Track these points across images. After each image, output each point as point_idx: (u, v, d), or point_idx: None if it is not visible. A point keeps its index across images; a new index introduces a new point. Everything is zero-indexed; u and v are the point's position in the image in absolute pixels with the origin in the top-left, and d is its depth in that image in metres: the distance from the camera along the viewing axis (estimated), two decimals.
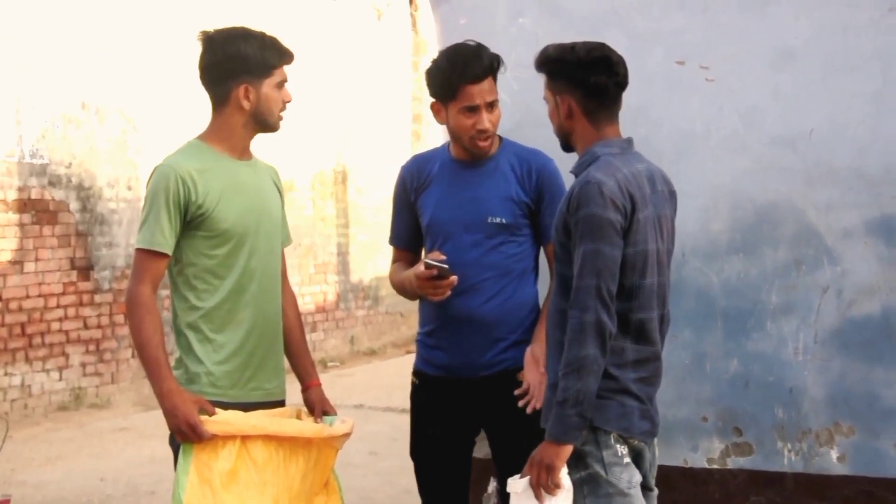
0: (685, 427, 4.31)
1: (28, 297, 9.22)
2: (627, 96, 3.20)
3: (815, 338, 4.18)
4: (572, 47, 3.13)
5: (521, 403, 3.43)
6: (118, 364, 9.96)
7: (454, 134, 3.61)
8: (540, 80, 3.27)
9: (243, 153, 3.49)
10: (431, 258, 3.48)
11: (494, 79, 3.57)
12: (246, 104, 3.39)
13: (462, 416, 3.66)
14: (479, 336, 3.57)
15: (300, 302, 12.80)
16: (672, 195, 3.22)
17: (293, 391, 3.59)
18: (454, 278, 3.44)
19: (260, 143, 3.55)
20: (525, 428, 3.43)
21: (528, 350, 3.51)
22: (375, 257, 13.17)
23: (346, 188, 12.99)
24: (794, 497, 4.22)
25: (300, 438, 3.38)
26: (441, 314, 3.59)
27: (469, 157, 3.63)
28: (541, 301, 3.68)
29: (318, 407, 3.55)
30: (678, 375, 4.23)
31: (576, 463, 3.03)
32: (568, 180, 3.20)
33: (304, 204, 12.31)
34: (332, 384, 10.01)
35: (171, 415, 3.24)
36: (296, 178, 11.99)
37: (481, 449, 3.79)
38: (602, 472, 3.03)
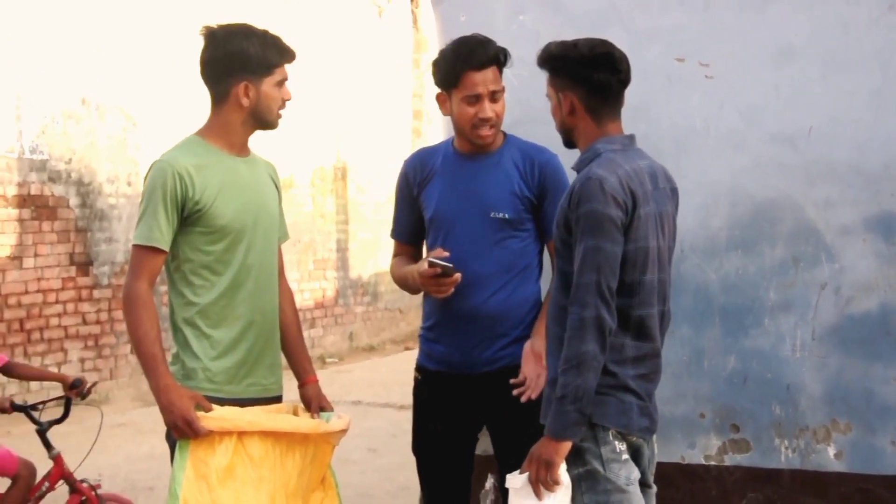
0: (683, 424, 4.31)
1: (27, 292, 9.22)
2: (627, 93, 3.20)
3: (812, 335, 4.18)
4: (575, 44, 3.13)
5: (515, 392, 3.42)
6: (117, 360, 9.97)
7: (457, 124, 3.60)
8: (540, 76, 3.27)
9: (241, 149, 3.49)
10: (435, 256, 3.48)
11: (500, 71, 3.56)
12: (245, 101, 3.39)
13: (463, 412, 3.65)
14: (480, 332, 3.57)
15: (299, 298, 12.82)
16: (674, 192, 3.23)
17: (290, 387, 3.59)
18: (458, 275, 3.43)
19: (260, 139, 3.55)
20: (526, 424, 3.42)
21: (528, 343, 3.50)
22: (375, 254, 13.18)
23: (346, 184, 12.99)
24: (791, 494, 4.23)
25: (297, 434, 3.38)
26: (444, 309, 3.58)
27: (473, 149, 3.62)
28: (542, 297, 3.68)
29: (314, 403, 3.55)
30: (676, 372, 4.23)
31: (574, 459, 3.03)
32: (570, 176, 3.21)
33: (304, 200, 12.31)
34: (330, 380, 10.04)
35: (167, 411, 3.25)
36: (296, 174, 11.99)
37: (479, 445, 3.79)
38: (600, 469, 3.04)
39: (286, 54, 3.44)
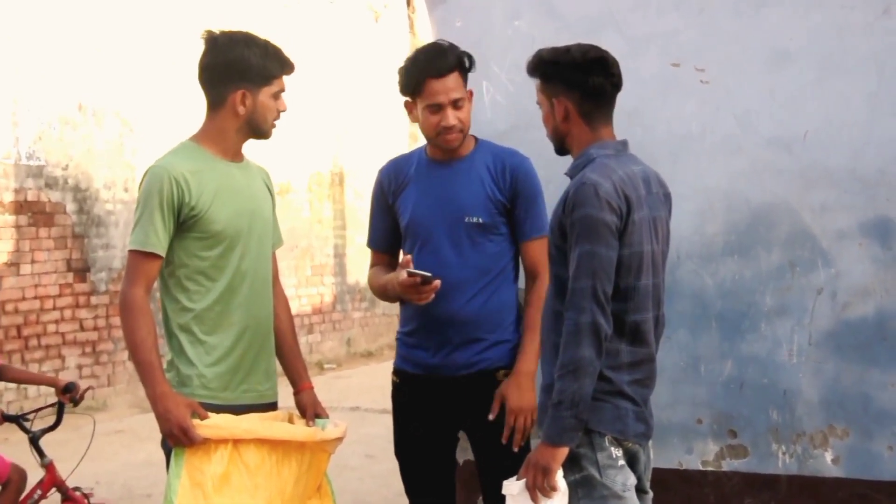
0: (680, 429, 4.31)
1: (24, 298, 9.21)
2: (623, 98, 3.21)
3: (809, 340, 4.18)
4: (567, 50, 3.13)
5: (505, 440, 3.50)
6: (114, 366, 9.96)
7: (423, 131, 3.64)
8: (534, 82, 3.27)
9: (235, 155, 3.49)
10: (406, 265, 3.48)
11: (463, 76, 3.59)
12: (241, 110, 3.39)
13: (442, 415, 3.68)
14: (459, 335, 3.60)
15: (297, 304, 12.82)
16: (667, 197, 3.23)
17: (285, 394, 3.58)
18: (437, 282, 3.46)
19: (256, 145, 3.55)
20: (502, 429, 3.52)
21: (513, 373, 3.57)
22: None
23: (343, 190, 12.99)
24: (788, 499, 4.22)
25: (293, 442, 3.37)
26: (423, 314, 3.60)
27: (444, 155, 3.65)
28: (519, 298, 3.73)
29: (309, 410, 3.55)
30: (673, 377, 4.23)
31: (570, 465, 3.02)
32: (562, 182, 3.20)
33: (301, 206, 12.31)
34: (328, 386, 10.04)
35: (163, 419, 3.24)
36: (293, 179, 11.99)
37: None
38: (596, 475, 3.03)
39: (286, 66, 3.44)
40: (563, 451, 2.98)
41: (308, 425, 3.49)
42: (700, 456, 4.32)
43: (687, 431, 4.32)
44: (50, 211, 9.44)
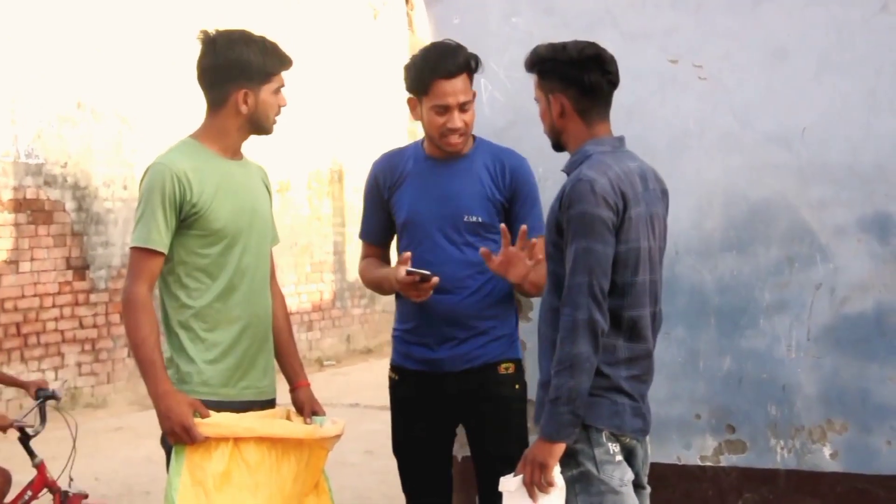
0: (678, 424, 4.31)
1: (23, 296, 9.22)
2: (621, 95, 3.21)
3: (808, 335, 4.18)
4: (564, 46, 3.14)
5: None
6: (114, 364, 9.97)
7: (426, 131, 3.65)
8: (532, 79, 3.27)
9: (235, 153, 3.49)
10: (406, 262, 3.49)
11: (470, 78, 3.59)
12: (244, 109, 3.39)
13: (443, 410, 3.69)
14: (459, 331, 3.61)
15: (297, 301, 12.83)
16: (664, 193, 3.23)
17: (282, 391, 3.59)
18: (436, 280, 3.47)
19: (256, 143, 3.56)
20: (503, 421, 3.54)
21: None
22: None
23: (343, 187, 13.00)
24: (786, 494, 4.22)
25: (292, 440, 3.38)
26: (422, 311, 3.61)
27: (443, 154, 3.66)
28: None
29: (306, 407, 3.56)
30: (671, 373, 4.23)
31: (568, 461, 3.03)
32: (560, 179, 3.21)
33: (301, 203, 12.32)
34: (327, 383, 10.05)
35: (164, 416, 3.25)
36: (292, 177, 11.99)
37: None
38: (594, 470, 3.04)
39: (285, 62, 3.45)
40: (560, 447, 2.98)
41: (305, 422, 3.50)
42: (698, 451, 4.33)
43: (685, 426, 4.33)
44: (49, 209, 9.45)
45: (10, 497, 4.57)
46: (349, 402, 9.32)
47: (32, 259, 9.30)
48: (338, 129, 12.73)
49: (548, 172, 4.14)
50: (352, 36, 12.91)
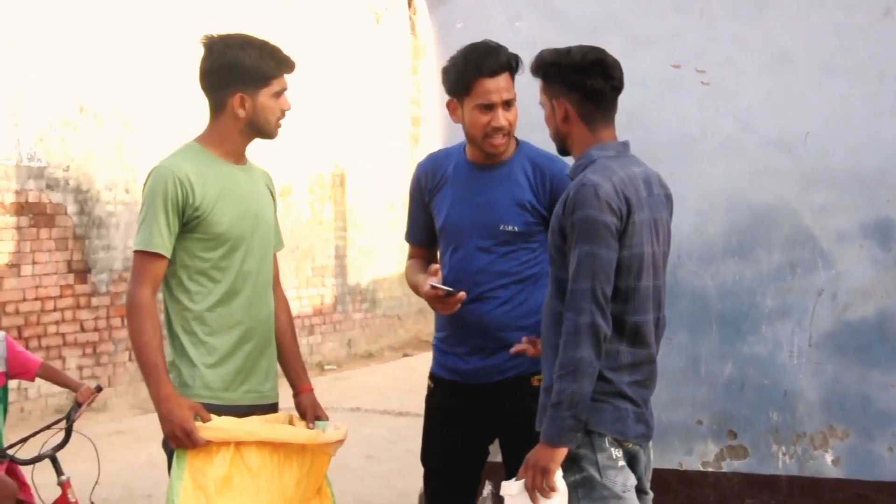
0: (680, 430, 4.31)
1: (25, 300, 9.22)
2: (624, 99, 3.21)
3: (809, 341, 4.19)
4: (568, 51, 3.14)
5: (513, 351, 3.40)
6: (115, 367, 9.96)
7: (469, 132, 3.55)
8: (536, 83, 3.27)
9: (239, 158, 3.49)
10: (434, 274, 3.46)
11: (512, 77, 3.52)
12: (241, 113, 3.39)
13: (477, 422, 3.62)
14: (492, 342, 3.54)
15: (298, 305, 12.77)
16: (668, 199, 3.23)
17: (284, 395, 3.58)
18: (462, 294, 3.42)
19: (258, 146, 3.55)
20: (537, 434, 3.45)
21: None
22: (373, 260, 13.18)
23: (345, 191, 12.99)
24: (788, 500, 4.23)
25: (294, 445, 3.37)
26: (455, 320, 3.56)
27: (484, 159, 3.58)
28: None
29: (309, 412, 3.54)
30: (673, 378, 4.23)
31: (570, 466, 3.03)
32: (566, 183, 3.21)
33: (302, 207, 12.31)
34: (329, 387, 10.04)
35: (166, 420, 3.24)
36: (294, 181, 11.99)
37: None
38: (597, 476, 3.03)
39: (283, 65, 3.43)
40: (562, 452, 2.98)
41: (308, 427, 3.49)
42: (700, 456, 4.33)
43: (687, 432, 4.33)
44: (51, 212, 9.44)
45: None
46: (350, 406, 9.31)
47: (34, 262, 9.30)
48: (340, 134, 12.73)
49: None
50: (354, 40, 12.92)
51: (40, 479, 4.63)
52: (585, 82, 3.09)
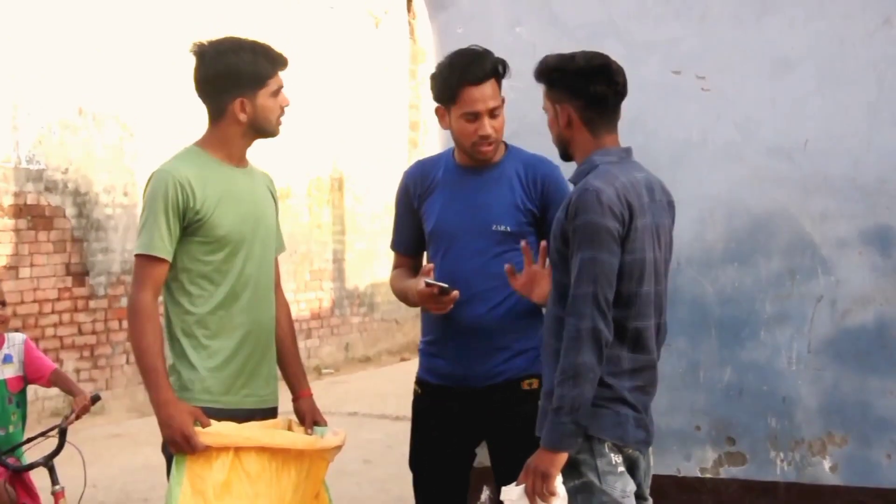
0: (679, 436, 4.31)
1: (23, 302, 9.21)
2: (624, 105, 3.21)
3: (808, 347, 4.19)
4: (572, 57, 3.14)
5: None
6: (112, 370, 9.95)
7: (457, 139, 3.57)
8: (537, 88, 3.27)
9: (240, 161, 3.49)
10: (427, 273, 3.45)
11: (499, 84, 3.52)
12: (243, 117, 3.39)
13: (464, 426, 3.62)
14: (482, 345, 3.53)
15: (296, 308, 12.75)
16: (670, 205, 3.23)
17: (283, 400, 3.58)
18: (456, 293, 3.41)
19: (256, 150, 3.55)
20: (527, 438, 3.45)
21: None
22: (371, 264, 13.17)
23: (343, 195, 12.99)
24: None
25: (293, 450, 3.37)
26: (444, 324, 3.55)
27: (474, 162, 3.59)
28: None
29: (308, 417, 3.54)
30: (672, 384, 4.23)
31: (570, 471, 3.02)
32: (568, 189, 3.21)
33: (301, 211, 12.31)
34: (326, 391, 10.03)
35: (166, 425, 3.24)
36: (292, 184, 11.99)
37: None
38: (596, 481, 3.03)
39: (277, 63, 3.42)
40: (563, 457, 2.98)
41: (307, 433, 3.49)
42: (698, 463, 4.33)
43: (685, 438, 4.33)
44: (49, 215, 9.44)
45: None
46: (348, 410, 9.31)
47: (32, 265, 9.29)
48: (339, 137, 12.73)
49: None
50: (353, 44, 12.92)
51: (37, 486, 4.62)
52: (589, 88, 3.09)
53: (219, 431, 3.26)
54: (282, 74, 3.45)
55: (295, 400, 3.60)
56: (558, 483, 2.99)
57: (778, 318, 4.21)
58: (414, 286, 3.50)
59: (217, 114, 3.42)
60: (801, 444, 4.20)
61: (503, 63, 3.53)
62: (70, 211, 9.60)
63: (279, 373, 3.58)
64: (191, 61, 3.50)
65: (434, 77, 3.57)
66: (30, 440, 4.52)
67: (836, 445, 4.17)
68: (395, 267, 3.79)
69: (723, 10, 4.26)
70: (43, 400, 9.22)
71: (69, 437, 4.50)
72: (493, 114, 3.49)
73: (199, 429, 3.23)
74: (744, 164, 4.24)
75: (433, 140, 11.30)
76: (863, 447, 4.14)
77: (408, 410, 3.79)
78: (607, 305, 2.96)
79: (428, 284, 3.42)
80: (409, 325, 13.59)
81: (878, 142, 4.10)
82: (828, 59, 4.15)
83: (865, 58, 4.11)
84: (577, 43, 3.47)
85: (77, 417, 4.49)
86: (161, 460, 3.40)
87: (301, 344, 12.33)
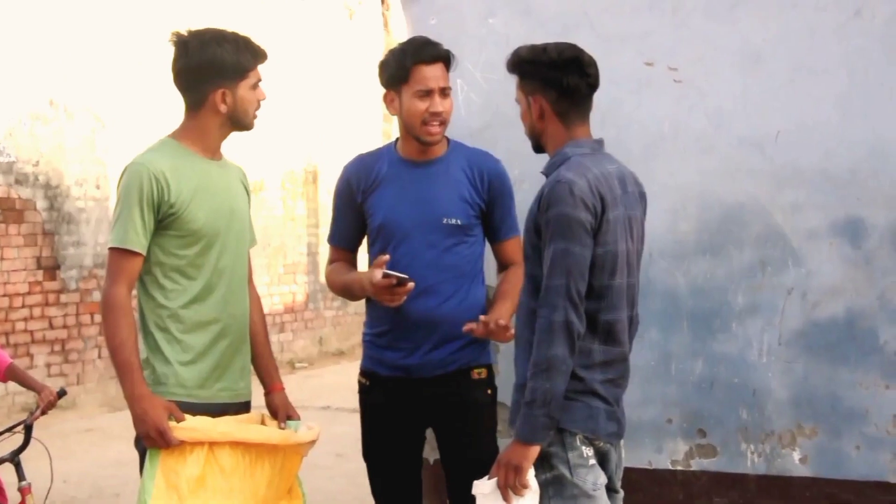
0: (650, 428, 4.32)
1: None
2: (596, 97, 3.21)
3: (779, 339, 4.20)
4: (545, 48, 3.14)
5: (466, 329, 3.42)
6: (84, 365, 9.89)
7: (406, 121, 3.62)
8: (509, 80, 3.27)
9: (215, 153, 3.47)
10: (381, 265, 3.45)
11: (447, 69, 3.62)
12: (223, 108, 3.38)
13: (414, 416, 3.67)
14: (435, 336, 3.59)
15: (269, 302, 12.80)
16: (642, 196, 3.23)
17: (256, 395, 3.56)
18: (412, 284, 3.44)
19: (230, 142, 3.54)
20: (475, 425, 3.56)
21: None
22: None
23: (317, 188, 12.96)
24: (756, 499, 4.23)
25: (266, 445, 3.36)
26: (396, 316, 3.58)
27: (419, 155, 3.65)
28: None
29: (281, 411, 3.54)
30: (644, 376, 4.23)
31: (541, 464, 3.03)
32: (537, 180, 3.21)
33: (274, 204, 12.27)
34: (299, 385, 10.01)
35: (140, 420, 3.22)
36: (266, 177, 11.95)
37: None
38: (567, 474, 3.04)
39: (258, 56, 3.43)
40: (535, 450, 2.98)
41: (280, 427, 3.48)
42: (670, 455, 4.33)
43: (657, 430, 4.33)
44: (20, 207, 9.37)
45: None
46: (321, 404, 9.30)
47: (2, 258, 9.23)
48: (312, 130, 12.70)
49: (524, 174, 4.13)
50: (327, 36, 12.89)
51: (4, 481, 4.58)
52: (562, 80, 3.09)
53: (193, 426, 3.24)
54: (259, 66, 3.45)
55: (267, 394, 3.59)
56: (530, 476, 2.99)
57: (749, 310, 4.22)
58: (365, 278, 3.52)
59: (196, 104, 3.40)
60: (771, 437, 4.22)
61: (451, 54, 3.64)
62: (41, 204, 9.53)
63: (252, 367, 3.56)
64: (164, 53, 3.49)
65: (384, 62, 3.66)
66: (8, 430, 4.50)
67: (806, 437, 4.18)
68: (332, 261, 3.83)
69: (695, 2, 4.26)
70: (13, 395, 9.16)
71: (37, 432, 4.47)
72: (444, 93, 3.59)
73: (173, 423, 3.22)
74: (715, 155, 4.25)
75: None
76: (833, 439, 4.15)
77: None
78: (579, 298, 2.96)
79: (386, 275, 3.42)
80: None
81: (849, 133, 4.11)
82: (799, 51, 4.15)
83: (836, 50, 4.12)
84: (551, 34, 3.47)
85: (43, 413, 4.45)
86: (133, 455, 3.38)
87: (274, 338, 12.34)
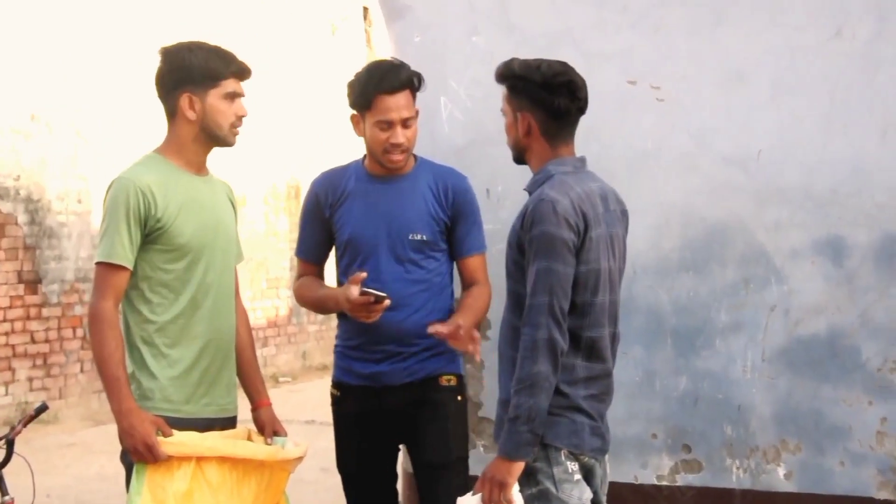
0: (635, 444, 4.33)
1: None
2: None
3: (762, 356, 4.22)
4: (538, 66, 3.14)
5: (430, 330, 3.44)
6: (66, 379, 9.84)
7: (369, 147, 3.66)
8: (493, 98, 3.29)
9: (200, 168, 3.47)
10: (357, 282, 3.47)
11: (413, 96, 3.62)
12: (191, 115, 3.37)
13: (385, 424, 3.70)
14: (405, 348, 3.64)
15: (252, 317, 12.73)
16: (624, 214, 3.26)
17: (242, 408, 3.56)
18: (388, 302, 3.48)
19: (212, 157, 3.54)
20: (444, 429, 3.60)
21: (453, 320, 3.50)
22: (327, 272, 13.13)
23: (299, 203, 12.92)
24: None
25: (254, 460, 3.36)
26: (367, 329, 3.61)
27: (386, 171, 3.67)
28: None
29: (268, 427, 3.54)
30: (628, 393, 4.25)
31: (527, 479, 3.04)
32: (518, 198, 3.22)
33: (257, 218, 12.26)
34: (283, 399, 9.97)
35: (127, 434, 3.21)
36: (248, 192, 11.94)
37: None
38: (552, 489, 3.05)
39: (231, 65, 3.40)
40: (519, 466, 2.99)
41: (266, 443, 3.48)
42: (655, 470, 4.35)
43: (642, 446, 4.35)
44: (1, 222, 9.33)
45: None
46: (305, 419, 9.27)
47: None
48: (295, 145, 12.70)
49: (507, 191, 4.15)
50: (310, 51, 12.90)
51: None
52: (552, 101, 3.11)
53: (181, 441, 3.24)
54: (244, 84, 3.44)
55: (254, 409, 3.59)
56: (515, 491, 3.00)
57: (732, 327, 4.25)
58: (338, 294, 3.56)
59: (170, 113, 3.41)
60: (755, 452, 4.24)
61: (419, 76, 3.63)
62: (22, 218, 9.49)
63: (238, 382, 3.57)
64: (147, 69, 3.50)
65: (351, 85, 3.66)
66: None
67: (790, 453, 4.21)
68: (301, 275, 3.87)
69: (678, 20, 4.30)
70: None
71: (19, 447, 4.44)
72: (405, 124, 3.59)
73: (161, 438, 3.22)
74: (698, 173, 4.28)
75: None
76: (816, 455, 4.18)
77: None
78: (563, 315, 2.98)
79: (363, 292, 3.44)
80: None
81: (831, 152, 4.14)
82: (781, 70, 4.19)
83: (818, 69, 4.15)
84: (534, 52, 3.48)
85: (23, 426, 4.43)
86: (116, 469, 3.36)
87: (258, 352, 12.29)
